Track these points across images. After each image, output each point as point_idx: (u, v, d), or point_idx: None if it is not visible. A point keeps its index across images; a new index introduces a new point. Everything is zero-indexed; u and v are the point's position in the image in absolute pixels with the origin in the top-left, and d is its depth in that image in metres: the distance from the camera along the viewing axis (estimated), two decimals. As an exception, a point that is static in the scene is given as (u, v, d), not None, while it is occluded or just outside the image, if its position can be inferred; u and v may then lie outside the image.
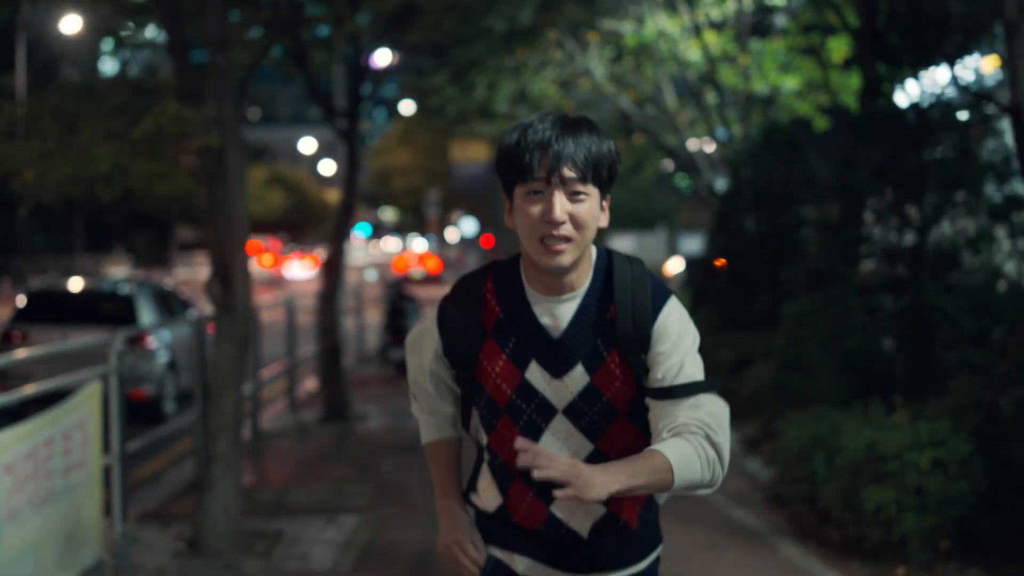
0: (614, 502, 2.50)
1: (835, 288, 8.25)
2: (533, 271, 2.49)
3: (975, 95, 7.93)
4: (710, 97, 15.32)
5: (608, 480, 2.23)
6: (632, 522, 2.56)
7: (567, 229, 2.39)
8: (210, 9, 6.36)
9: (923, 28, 8.28)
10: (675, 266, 32.58)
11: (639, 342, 2.46)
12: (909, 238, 8.38)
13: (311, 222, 66.03)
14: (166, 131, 6.19)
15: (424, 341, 2.63)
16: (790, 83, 14.72)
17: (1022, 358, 6.19)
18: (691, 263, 27.70)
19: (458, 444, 2.72)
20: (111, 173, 7.14)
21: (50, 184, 6.97)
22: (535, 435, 2.50)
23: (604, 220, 2.47)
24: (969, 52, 8.22)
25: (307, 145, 77.14)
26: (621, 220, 34.80)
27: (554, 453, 2.25)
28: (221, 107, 6.43)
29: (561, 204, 2.39)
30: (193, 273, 50.21)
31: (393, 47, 16.22)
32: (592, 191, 2.42)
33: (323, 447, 9.91)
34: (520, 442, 2.24)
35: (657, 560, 2.68)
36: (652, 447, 2.37)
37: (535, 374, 2.49)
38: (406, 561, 6.31)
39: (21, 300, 13.21)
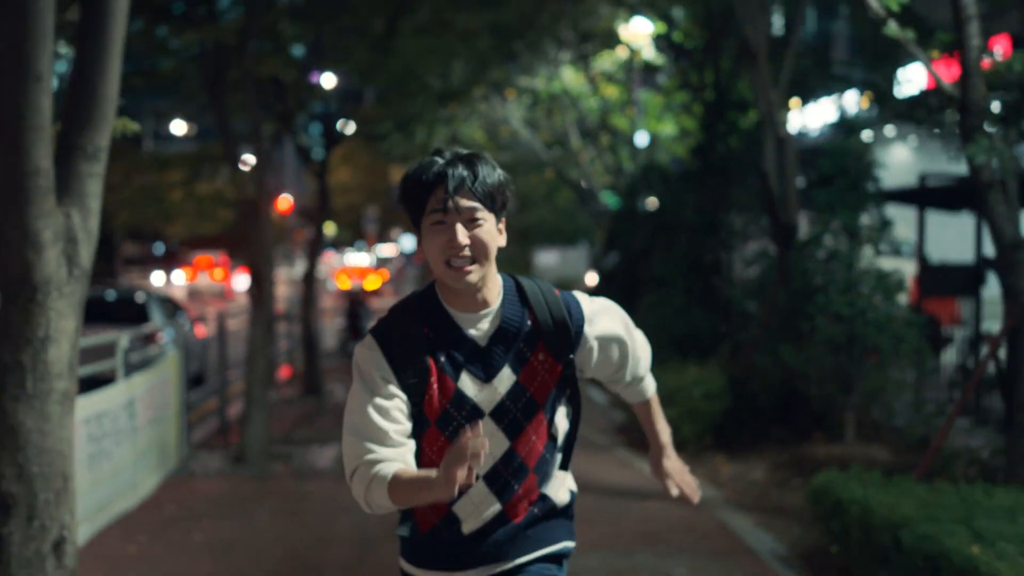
0: (511, 501, 2.74)
1: (669, 289, 11.97)
2: (449, 293, 2.69)
3: (743, 159, 11.73)
4: (605, 140, 19.07)
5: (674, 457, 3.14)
6: (516, 518, 2.77)
7: (470, 251, 2.59)
8: (251, 112, 9.91)
9: (728, 107, 12.07)
10: (593, 279, 36.18)
11: (565, 342, 2.74)
12: (723, 255, 12.15)
13: (250, 238, 68.13)
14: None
15: (366, 393, 2.65)
16: (667, 129, 18.50)
17: (767, 330, 9.92)
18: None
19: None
20: (174, 213, 10.67)
21: (138, 220, 10.44)
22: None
23: (502, 240, 2.68)
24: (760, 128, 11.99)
25: (248, 162, 79.46)
26: (546, 236, 38.42)
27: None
28: (258, 173, 9.98)
29: (462, 231, 2.58)
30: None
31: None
32: (488, 216, 2.62)
33: (307, 410, 13.42)
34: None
35: (563, 554, 2.86)
36: (647, 396, 3.11)
37: (467, 383, 2.67)
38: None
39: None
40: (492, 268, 2.69)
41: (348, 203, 56.32)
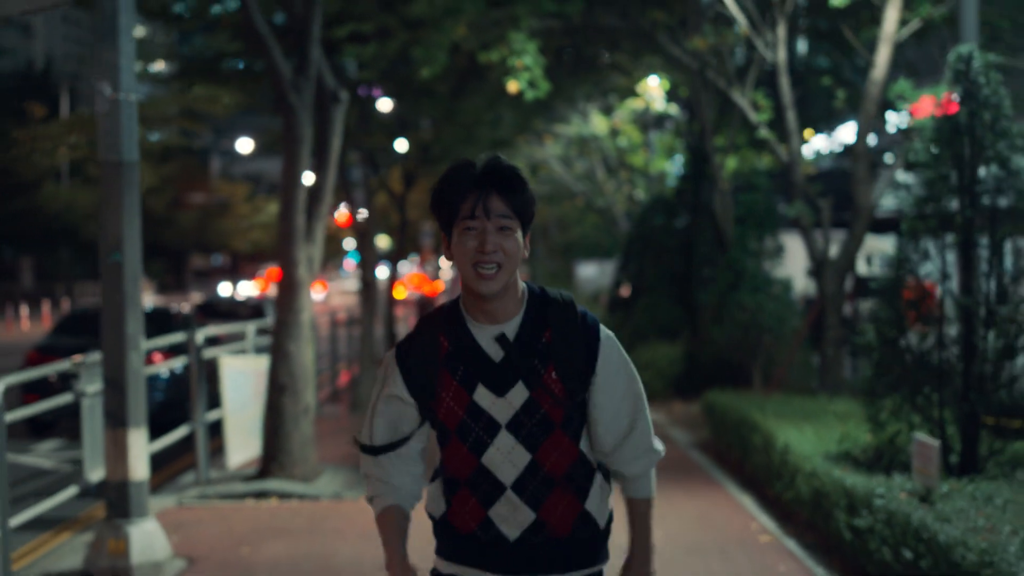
0: (543, 510, 2.79)
1: (656, 293, 16.56)
2: (472, 303, 2.78)
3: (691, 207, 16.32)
4: (624, 175, 23.69)
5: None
6: (560, 530, 2.81)
7: (496, 258, 2.69)
8: (365, 171, 14.67)
9: (701, 160, 16.66)
10: (627, 290, 40.47)
11: (576, 366, 2.77)
12: (694, 269, 16.73)
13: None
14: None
15: (382, 405, 2.88)
16: (672, 167, 23.07)
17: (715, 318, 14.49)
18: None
19: (408, 514, 2.91)
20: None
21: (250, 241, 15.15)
22: (482, 450, 2.78)
23: (526, 252, 2.76)
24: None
25: (306, 178, 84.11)
26: (586, 250, 42.82)
27: None
28: (367, 214, 14.73)
29: (492, 236, 2.69)
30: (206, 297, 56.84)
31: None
32: (516, 226, 2.72)
33: (392, 383, 18.09)
34: None
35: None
36: (636, 496, 2.90)
37: (482, 395, 2.76)
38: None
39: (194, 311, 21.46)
40: (515, 279, 2.77)
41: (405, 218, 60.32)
